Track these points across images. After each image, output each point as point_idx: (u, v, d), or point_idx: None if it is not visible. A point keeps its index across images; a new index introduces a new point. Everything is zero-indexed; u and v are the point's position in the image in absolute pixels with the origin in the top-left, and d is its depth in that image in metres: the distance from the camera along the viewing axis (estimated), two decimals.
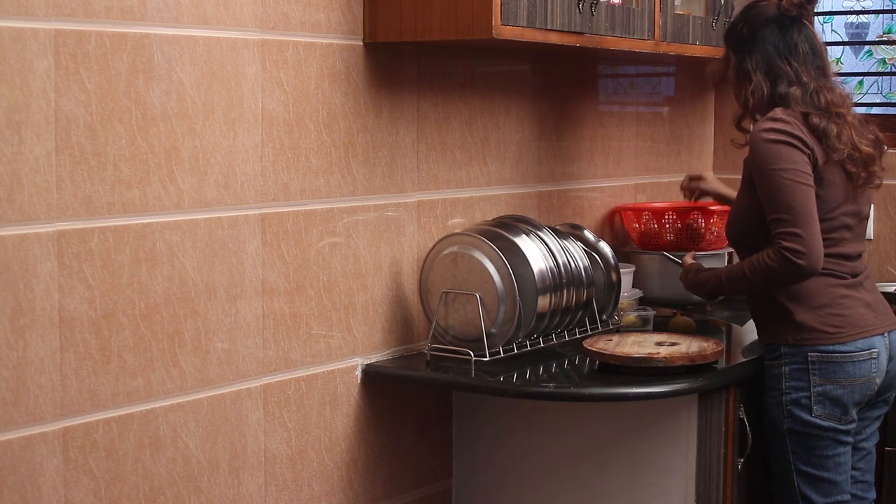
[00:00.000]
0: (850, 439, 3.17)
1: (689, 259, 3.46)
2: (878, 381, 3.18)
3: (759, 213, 3.11)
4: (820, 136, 3.10)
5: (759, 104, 3.21)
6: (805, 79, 3.17)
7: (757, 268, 3.08)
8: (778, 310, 3.16)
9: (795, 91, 3.15)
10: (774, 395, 3.17)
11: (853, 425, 3.17)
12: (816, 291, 3.13)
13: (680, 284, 3.45)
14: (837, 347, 3.12)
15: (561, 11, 3.18)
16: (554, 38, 3.19)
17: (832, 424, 3.13)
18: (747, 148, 3.17)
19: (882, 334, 3.19)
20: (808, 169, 3.06)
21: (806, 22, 3.24)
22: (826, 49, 3.28)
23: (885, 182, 3.34)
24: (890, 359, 3.20)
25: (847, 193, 3.16)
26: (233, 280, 2.89)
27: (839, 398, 3.12)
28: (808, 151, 3.07)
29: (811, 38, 3.23)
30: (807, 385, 3.12)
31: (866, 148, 3.16)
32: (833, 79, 3.25)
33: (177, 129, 2.74)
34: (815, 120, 3.10)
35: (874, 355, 3.15)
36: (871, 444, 3.29)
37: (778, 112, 3.12)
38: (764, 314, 3.23)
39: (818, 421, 3.12)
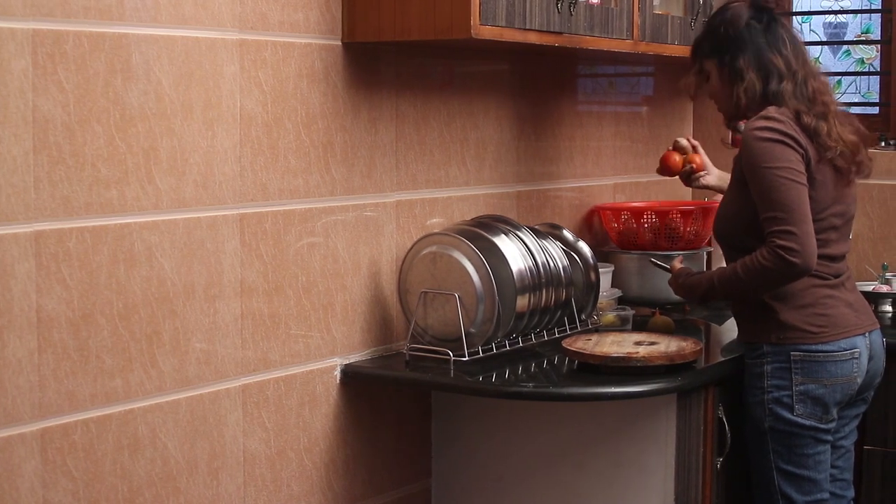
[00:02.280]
0: (830, 438, 3.18)
1: (677, 264, 3.44)
2: (859, 380, 3.19)
3: (750, 211, 3.11)
4: (812, 134, 3.10)
5: (751, 102, 3.19)
6: (794, 67, 3.17)
7: (751, 268, 3.07)
8: (761, 308, 3.16)
9: (787, 86, 3.15)
10: (756, 393, 3.18)
11: (833, 424, 3.18)
12: (800, 291, 3.13)
13: (659, 284, 3.45)
14: (820, 347, 3.12)
15: (539, 11, 3.18)
16: (533, 38, 3.19)
17: (813, 423, 3.13)
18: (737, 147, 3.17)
19: (863, 334, 3.20)
20: (802, 168, 3.06)
21: (783, 20, 3.26)
22: (804, 45, 3.30)
23: (863, 182, 3.33)
24: (870, 358, 3.21)
25: (836, 193, 3.16)
26: (211, 280, 2.88)
27: (821, 397, 3.13)
28: (802, 151, 3.07)
29: (790, 32, 3.26)
30: (789, 384, 3.13)
31: (850, 136, 3.16)
32: (815, 66, 3.27)
33: (155, 129, 2.73)
34: (807, 119, 3.10)
35: (856, 355, 3.16)
36: (849, 443, 3.30)
37: (771, 110, 3.12)
38: (746, 312, 3.23)
39: (800, 420, 3.13)
